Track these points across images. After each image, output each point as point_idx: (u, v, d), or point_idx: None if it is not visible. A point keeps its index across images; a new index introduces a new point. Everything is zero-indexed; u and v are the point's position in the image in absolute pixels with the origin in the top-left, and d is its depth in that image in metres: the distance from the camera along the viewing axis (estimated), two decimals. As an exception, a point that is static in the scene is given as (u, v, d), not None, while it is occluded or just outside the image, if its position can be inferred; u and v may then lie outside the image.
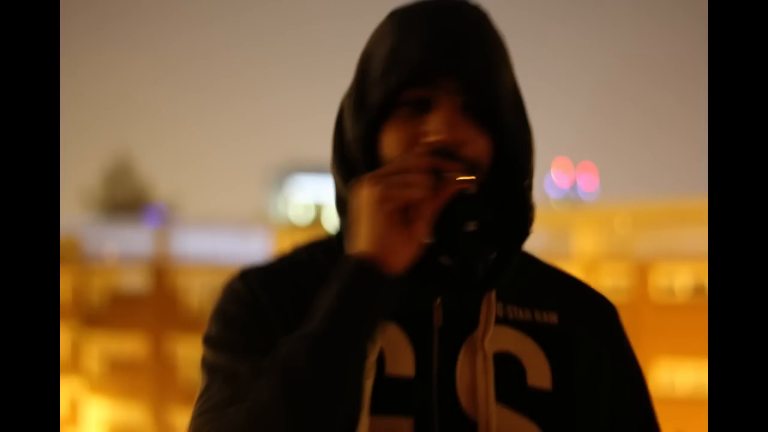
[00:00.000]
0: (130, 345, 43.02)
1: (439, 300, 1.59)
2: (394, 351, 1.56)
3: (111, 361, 43.77)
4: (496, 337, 1.59)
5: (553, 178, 51.03)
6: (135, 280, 44.44)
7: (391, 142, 1.57)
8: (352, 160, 1.61)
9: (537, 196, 1.66)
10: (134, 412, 42.69)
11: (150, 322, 42.33)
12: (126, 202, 63.15)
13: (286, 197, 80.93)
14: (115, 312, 43.88)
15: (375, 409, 1.51)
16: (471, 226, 1.55)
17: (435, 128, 1.53)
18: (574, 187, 51.57)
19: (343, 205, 1.63)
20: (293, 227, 52.15)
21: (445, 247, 1.56)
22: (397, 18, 1.61)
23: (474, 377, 1.57)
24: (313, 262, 1.64)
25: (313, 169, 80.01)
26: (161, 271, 43.69)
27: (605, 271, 35.05)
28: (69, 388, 43.26)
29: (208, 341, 1.61)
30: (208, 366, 1.58)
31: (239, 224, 47.46)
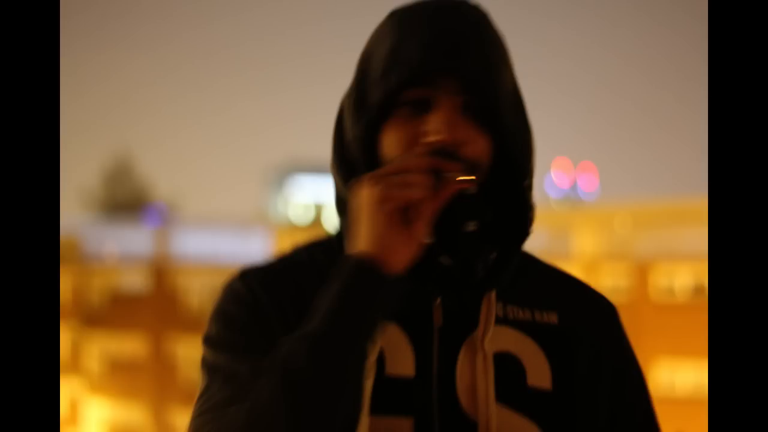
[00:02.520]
0: (130, 345, 43.03)
1: (439, 300, 1.59)
2: (394, 351, 1.56)
3: (111, 361, 43.78)
4: (496, 337, 1.59)
5: (553, 178, 51.04)
6: (135, 280, 44.44)
7: (391, 142, 1.57)
8: (352, 160, 1.61)
9: (537, 196, 1.66)
10: (134, 412, 42.69)
11: (150, 322, 42.33)
12: (126, 202, 63.16)
13: (286, 197, 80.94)
14: (115, 312, 43.88)
15: (375, 409, 1.51)
16: (471, 226, 1.54)
17: (435, 128, 1.53)
18: (574, 187, 51.58)
19: (343, 205, 1.63)
20: (293, 227, 52.16)
21: (445, 247, 1.56)
22: (397, 18, 1.61)
23: (474, 377, 1.57)
24: (313, 262, 1.64)
25: (313, 169, 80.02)
26: (161, 271, 43.70)
27: (605, 271, 35.05)
28: (69, 388, 43.27)
29: (208, 341, 1.61)
30: (208, 366, 1.58)
31: (239, 224, 47.47)
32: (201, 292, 41.19)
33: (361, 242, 1.47)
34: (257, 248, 42.98)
